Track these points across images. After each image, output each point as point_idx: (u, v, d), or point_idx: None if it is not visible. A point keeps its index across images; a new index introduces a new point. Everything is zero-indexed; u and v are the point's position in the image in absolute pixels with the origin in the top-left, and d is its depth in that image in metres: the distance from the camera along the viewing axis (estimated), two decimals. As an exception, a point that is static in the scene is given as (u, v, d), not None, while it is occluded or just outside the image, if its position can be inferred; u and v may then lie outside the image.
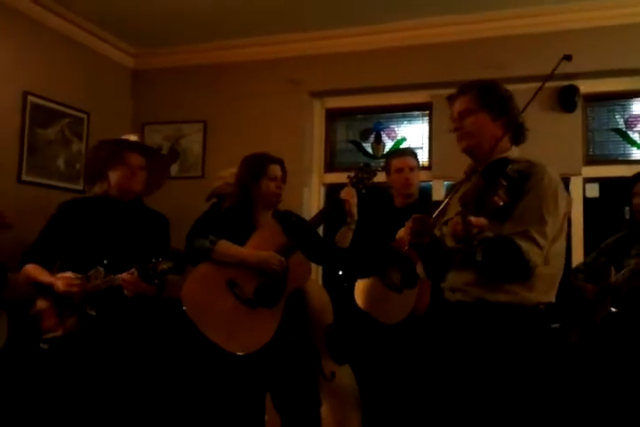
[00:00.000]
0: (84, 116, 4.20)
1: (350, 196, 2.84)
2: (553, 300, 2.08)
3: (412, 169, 3.23)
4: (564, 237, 2.13)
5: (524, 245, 1.93)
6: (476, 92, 2.17)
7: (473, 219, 1.83)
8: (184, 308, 2.59)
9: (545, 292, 2.05)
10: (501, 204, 1.88)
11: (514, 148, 2.18)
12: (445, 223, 2.22)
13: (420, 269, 2.74)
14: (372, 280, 3.10)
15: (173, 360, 3.15)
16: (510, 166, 1.98)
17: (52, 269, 2.69)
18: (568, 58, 2.17)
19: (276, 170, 2.82)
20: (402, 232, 2.85)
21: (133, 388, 2.65)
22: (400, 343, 2.95)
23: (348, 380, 3.26)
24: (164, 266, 2.53)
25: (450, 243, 2.14)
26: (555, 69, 2.13)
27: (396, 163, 3.25)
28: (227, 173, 3.44)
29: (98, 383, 2.56)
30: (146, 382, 2.72)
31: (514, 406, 1.98)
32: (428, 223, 2.06)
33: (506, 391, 1.97)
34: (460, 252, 2.08)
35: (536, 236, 1.95)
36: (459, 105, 2.21)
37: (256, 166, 2.81)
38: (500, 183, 1.90)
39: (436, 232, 2.23)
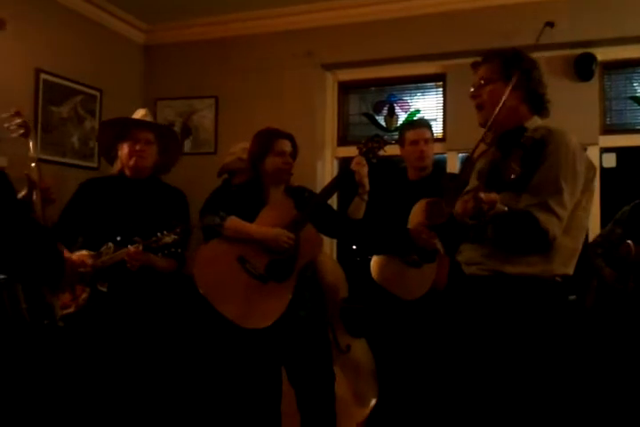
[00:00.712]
0: (97, 94, 4.20)
1: (360, 166, 2.82)
2: (571, 272, 2.06)
3: (426, 141, 3.19)
4: (586, 206, 2.09)
5: (542, 216, 1.91)
6: (499, 61, 2.14)
7: (483, 195, 1.80)
8: (196, 284, 2.62)
9: (564, 264, 2.03)
10: (513, 177, 1.85)
11: (535, 117, 2.14)
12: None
13: (439, 244, 2.75)
14: (389, 256, 3.09)
15: (187, 336, 3.19)
16: (525, 135, 1.95)
17: (74, 247, 2.74)
18: (550, 25, 2.14)
19: (283, 145, 2.80)
20: (416, 216, 2.85)
21: (147, 363, 2.69)
22: (420, 318, 2.95)
23: (363, 353, 3.30)
24: (168, 239, 2.58)
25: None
26: (537, 39, 2.09)
27: (410, 135, 3.21)
28: (238, 149, 3.44)
29: (111, 359, 2.60)
30: (160, 358, 2.76)
31: (532, 380, 1.98)
32: (441, 206, 2.04)
33: (523, 365, 1.97)
34: (474, 227, 2.07)
35: (554, 206, 1.93)
36: (480, 72, 2.19)
37: (263, 142, 2.80)
38: (513, 154, 1.87)
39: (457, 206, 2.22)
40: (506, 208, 1.90)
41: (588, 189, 2.07)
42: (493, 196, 1.83)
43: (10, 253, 1.61)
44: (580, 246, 2.10)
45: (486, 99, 2.14)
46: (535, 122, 2.13)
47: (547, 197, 1.94)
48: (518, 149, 1.88)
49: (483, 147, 2.18)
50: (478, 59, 2.25)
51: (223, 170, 3.50)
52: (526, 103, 2.10)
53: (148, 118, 3.02)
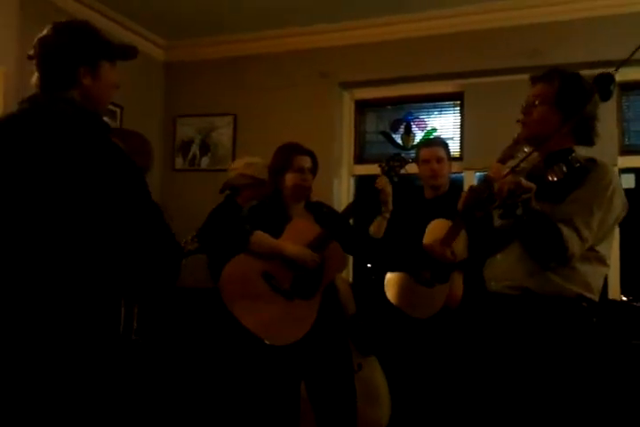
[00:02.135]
0: (117, 110, 4.25)
1: (385, 185, 2.83)
2: (596, 299, 2.06)
3: (439, 160, 3.17)
4: (610, 241, 2.10)
5: (566, 231, 1.92)
6: (558, 84, 2.13)
7: (523, 180, 1.85)
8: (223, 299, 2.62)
9: (585, 287, 2.02)
10: (554, 179, 1.86)
11: (579, 147, 2.14)
12: (496, 208, 2.20)
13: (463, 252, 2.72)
14: (403, 274, 3.08)
15: (210, 349, 3.18)
16: (574, 155, 1.96)
17: None
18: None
19: (302, 161, 2.80)
20: (432, 232, 2.85)
21: (170, 375, 2.69)
22: (433, 337, 2.93)
23: (375, 372, 3.27)
24: (191, 247, 2.58)
25: (497, 221, 2.14)
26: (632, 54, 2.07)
27: (423, 153, 3.21)
28: (240, 164, 3.44)
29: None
30: (182, 369, 2.76)
31: (553, 406, 1.96)
32: (482, 195, 2.04)
33: (541, 388, 1.96)
34: (504, 234, 2.07)
35: (580, 226, 1.94)
36: (536, 90, 2.18)
37: (283, 158, 2.80)
38: (559, 166, 1.88)
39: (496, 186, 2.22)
40: (538, 207, 1.92)
41: (615, 226, 2.09)
42: (531, 184, 1.87)
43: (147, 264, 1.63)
44: (602, 278, 2.10)
45: (535, 119, 2.14)
46: (580, 150, 2.13)
47: (576, 216, 1.96)
48: (565, 165, 1.89)
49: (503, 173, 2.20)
50: (528, 77, 2.23)
51: (226, 186, 3.46)
52: (573, 133, 2.10)
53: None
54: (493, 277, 2.16)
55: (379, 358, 3.32)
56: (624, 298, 3.61)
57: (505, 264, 2.12)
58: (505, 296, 2.08)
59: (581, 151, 2.12)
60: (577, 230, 1.94)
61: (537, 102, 2.14)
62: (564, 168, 1.88)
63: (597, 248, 2.03)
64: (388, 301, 3.11)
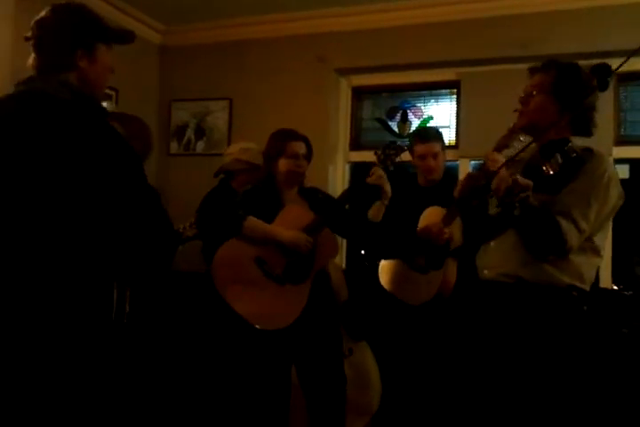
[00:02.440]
0: (113, 93, 4.22)
1: (377, 177, 2.83)
2: (587, 289, 2.07)
3: (435, 155, 3.17)
4: (606, 231, 2.12)
5: (564, 224, 1.94)
6: (555, 73, 2.13)
7: (519, 178, 1.84)
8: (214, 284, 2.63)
9: (578, 278, 2.04)
10: (550, 172, 1.86)
11: (576, 138, 2.14)
12: (492, 196, 2.21)
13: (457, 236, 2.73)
14: (397, 261, 3.10)
15: (200, 332, 3.20)
16: (570, 144, 1.96)
17: None
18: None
19: (296, 147, 2.80)
20: (427, 219, 2.86)
21: (161, 359, 2.71)
22: (425, 323, 2.96)
23: (366, 357, 3.30)
24: (189, 233, 2.58)
25: (491, 210, 2.15)
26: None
27: (419, 149, 3.19)
28: (235, 149, 3.43)
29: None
30: (172, 353, 2.77)
31: (542, 392, 1.98)
32: (479, 183, 2.06)
33: (531, 376, 1.98)
34: (494, 217, 2.08)
35: (578, 218, 1.95)
36: (534, 80, 2.18)
37: (276, 144, 2.81)
38: (555, 157, 1.88)
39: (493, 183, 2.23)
40: (536, 202, 1.93)
41: (611, 216, 2.09)
42: (529, 181, 1.87)
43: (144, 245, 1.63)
44: (596, 266, 2.12)
45: (532, 108, 2.14)
46: (575, 140, 2.13)
47: (573, 208, 1.97)
48: (561, 156, 1.89)
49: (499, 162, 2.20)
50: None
51: (220, 170, 3.46)
52: (570, 123, 2.10)
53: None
54: (486, 265, 2.17)
55: (370, 343, 3.35)
56: (615, 287, 3.64)
57: (499, 252, 2.13)
58: (498, 284, 2.10)
59: (577, 141, 2.13)
60: (575, 223, 1.95)
61: (534, 92, 2.15)
62: (560, 159, 1.88)
63: (594, 238, 2.05)
64: (381, 287, 3.13)
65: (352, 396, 3.10)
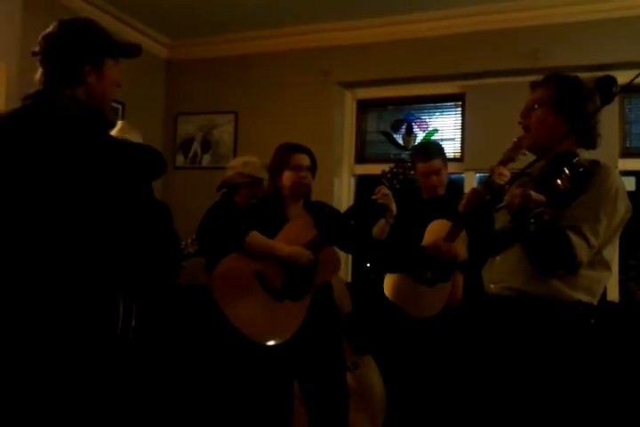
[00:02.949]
0: (119, 107, 4.25)
1: (382, 195, 2.81)
2: (595, 303, 2.06)
3: (437, 172, 3.15)
4: (614, 245, 2.10)
5: (575, 239, 1.92)
6: (555, 86, 2.13)
7: (533, 193, 1.83)
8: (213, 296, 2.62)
9: (587, 292, 2.02)
10: (562, 188, 1.85)
11: (581, 149, 2.14)
12: (497, 210, 2.21)
13: (462, 252, 2.72)
14: (403, 274, 3.07)
15: (199, 347, 3.19)
16: (577, 159, 1.96)
17: None
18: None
19: (300, 159, 2.79)
20: (432, 233, 2.85)
21: (166, 373, 2.69)
22: (431, 337, 2.93)
23: (371, 371, 3.28)
24: (191, 249, 2.57)
25: (498, 225, 2.14)
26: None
27: (421, 167, 3.16)
28: (237, 163, 3.44)
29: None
30: (173, 369, 2.76)
31: (549, 407, 1.96)
32: (484, 199, 2.06)
33: (538, 389, 1.96)
34: (505, 233, 2.07)
35: (588, 233, 1.94)
36: (535, 95, 2.18)
37: (280, 157, 2.81)
38: (563, 171, 1.87)
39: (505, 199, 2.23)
40: (546, 217, 1.91)
41: (619, 229, 2.08)
42: (542, 197, 1.85)
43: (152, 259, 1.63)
44: (604, 283, 2.10)
45: (534, 121, 2.14)
46: (582, 152, 2.12)
47: (583, 222, 1.95)
48: (569, 169, 1.88)
49: (505, 175, 2.20)
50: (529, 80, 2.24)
51: (223, 184, 3.46)
52: (574, 135, 2.10)
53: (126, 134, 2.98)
54: (492, 279, 2.16)
55: (375, 357, 3.33)
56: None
57: (504, 267, 2.12)
58: (502, 298, 2.08)
59: (584, 154, 2.12)
60: (585, 238, 1.93)
61: (536, 106, 2.15)
62: (568, 172, 1.87)
63: (603, 252, 2.03)
64: (386, 300, 3.11)
65: (357, 409, 3.08)
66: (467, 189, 4.02)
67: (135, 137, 2.95)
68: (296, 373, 2.72)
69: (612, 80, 3.88)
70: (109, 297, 1.62)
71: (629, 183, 3.81)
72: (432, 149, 3.28)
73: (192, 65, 4.69)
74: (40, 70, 1.76)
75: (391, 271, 3.10)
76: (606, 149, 3.68)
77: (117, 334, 1.62)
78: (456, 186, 3.98)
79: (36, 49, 1.77)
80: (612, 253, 2.11)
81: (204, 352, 3.23)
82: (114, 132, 2.88)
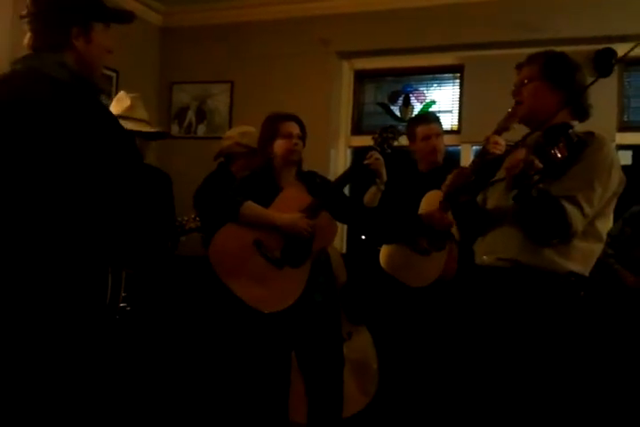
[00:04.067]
0: (113, 75, 4.20)
1: (374, 160, 2.82)
2: (586, 274, 2.07)
3: (438, 136, 3.18)
4: (608, 216, 2.12)
5: (569, 208, 1.93)
6: (541, 63, 2.15)
7: (536, 160, 1.84)
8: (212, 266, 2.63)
9: (580, 263, 2.04)
10: (559, 157, 1.86)
11: (576, 122, 2.14)
12: (492, 184, 2.21)
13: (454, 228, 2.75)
14: (399, 244, 3.09)
15: (200, 317, 3.21)
16: (572, 130, 1.96)
17: None
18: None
19: (289, 127, 2.79)
20: (428, 203, 2.86)
21: (159, 344, 2.71)
22: (426, 307, 2.96)
23: (365, 341, 3.32)
24: (192, 224, 2.58)
25: (492, 202, 2.14)
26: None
27: (422, 130, 3.18)
28: (235, 133, 3.42)
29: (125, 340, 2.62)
30: (172, 338, 2.78)
31: (539, 376, 1.99)
32: (468, 180, 2.07)
33: (530, 361, 1.99)
34: (501, 212, 2.07)
35: (582, 202, 1.95)
36: (523, 73, 2.20)
37: (269, 127, 2.80)
38: (560, 140, 1.88)
39: (480, 195, 2.24)
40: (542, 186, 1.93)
41: (612, 201, 2.08)
42: (540, 164, 1.87)
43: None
44: (597, 254, 2.11)
45: (526, 95, 2.15)
46: (575, 124, 2.13)
47: (578, 191, 1.96)
48: (565, 140, 1.88)
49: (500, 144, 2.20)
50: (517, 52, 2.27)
51: (220, 154, 3.44)
52: (567, 106, 2.10)
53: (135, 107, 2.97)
54: (485, 250, 2.17)
55: (370, 327, 3.36)
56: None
57: (498, 238, 2.13)
58: (496, 269, 2.10)
59: (577, 126, 2.12)
60: (580, 207, 1.95)
61: (526, 81, 2.16)
62: (564, 142, 1.87)
63: (596, 223, 2.04)
64: (381, 270, 3.13)
65: (350, 379, 3.12)
66: (463, 162, 4.01)
67: (141, 114, 2.92)
68: (294, 343, 2.75)
69: (612, 52, 3.88)
70: (97, 267, 1.62)
71: (626, 157, 3.80)
72: (431, 114, 3.39)
73: (187, 33, 4.62)
74: (28, 34, 1.73)
75: (387, 241, 3.11)
76: (604, 123, 3.70)
77: (106, 304, 1.62)
78: (453, 158, 3.97)
79: (24, 12, 1.73)
80: (605, 225, 2.12)
81: (202, 323, 3.25)
82: (122, 110, 2.86)
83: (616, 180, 2.04)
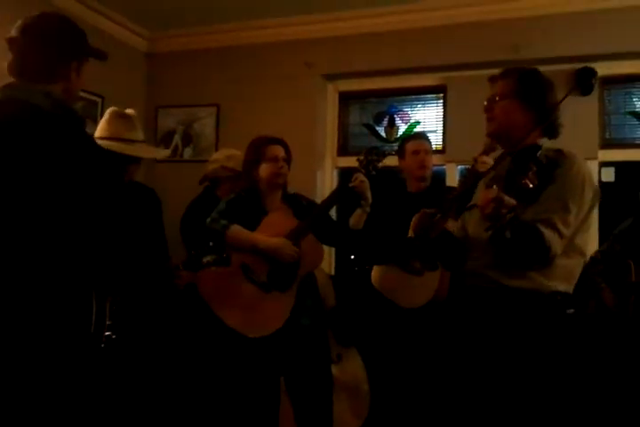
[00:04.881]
0: (99, 100, 4.20)
1: (359, 182, 2.83)
2: (570, 291, 2.07)
3: (426, 152, 3.23)
4: (587, 231, 2.11)
5: (547, 233, 1.93)
6: (515, 79, 2.16)
7: (506, 198, 1.83)
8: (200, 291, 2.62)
9: (563, 281, 2.04)
10: (531, 186, 1.85)
11: (545, 139, 2.16)
12: (470, 208, 2.22)
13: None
14: (391, 265, 3.09)
15: (186, 342, 3.18)
16: (540, 152, 1.97)
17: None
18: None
19: (274, 150, 2.80)
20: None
21: (147, 369, 2.68)
22: (419, 328, 2.95)
23: (355, 363, 3.29)
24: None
25: (470, 228, 2.15)
26: (564, 98, 2.10)
27: (411, 145, 3.24)
28: (221, 156, 3.41)
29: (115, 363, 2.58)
30: (159, 365, 2.75)
31: (527, 396, 1.98)
32: (434, 219, 2.11)
33: (519, 379, 1.98)
34: (480, 236, 2.08)
35: (559, 224, 1.95)
36: (496, 88, 2.21)
37: (254, 150, 2.81)
38: (530, 167, 1.88)
39: (451, 223, 2.25)
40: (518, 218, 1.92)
41: (590, 215, 2.09)
42: (513, 201, 1.85)
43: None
44: (579, 269, 2.11)
45: (498, 113, 2.16)
46: (545, 142, 2.14)
47: (553, 214, 1.96)
48: (534, 164, 1.88)
49: (488, 164, 2.22)
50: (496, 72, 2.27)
51: (205, 178, 3.44)
52: (538, 125, 2.11)
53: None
54: (470, 273, 2.17)
55: (360, 349, 3.34)
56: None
57: (481, 261, 2.11)
58: (482, 289, 2.09)
59: (547, 143, 2.13)
60: (557, 230, 1.95)
61: (497, 98, 2.17)
62: (534, 168, 1.87)
63: (575, 240, 2.05)
64: (371, 292, 3.12)
65: (341, 402, 3.09)
66: (449, 181, 4.03)
67: (138, 135, 2.89)
68: (282, 367, 2.73)
69: (592, 71, 3.94)
70: (82, 294, 1.60)
71: (609, 174, 3.85)
72: (421, 133, 3.53)
73: (172, 57, 4.64)
74: (11, 57, 1.73)
75: (379, 263, 3.11)
76: (586, 141, 3.76)
77: (91, 332, 1.61)
78: (441, 178, 4.00)
79: (14, 35, 1.74)
80: (585, 239, 2.11)
81: (191, 348, 3.22)
82: (118, 132, 2.79)
83: (590, 195, 2.04)
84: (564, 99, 2.10)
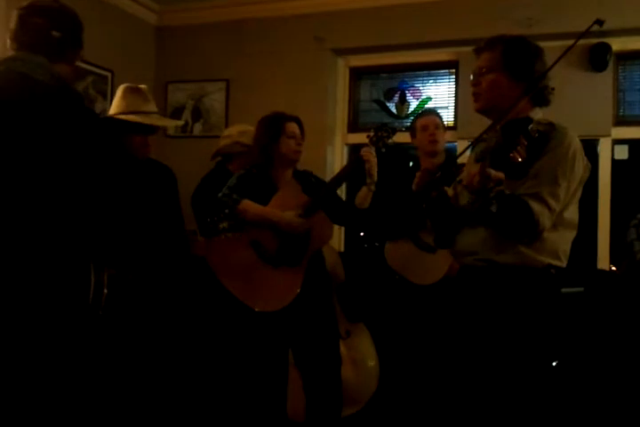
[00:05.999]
0: (108, 75, 4.19)
1: (370, 155, 2.82)
2: (563, 266, 2.06)
3: (437, 126, 3.20)
4: (575, 204, 2.09)
5: (536, 206, 1.91)
6: (501, 49, 2.08)
7: (492, 172, 1.79)
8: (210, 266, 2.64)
9: (554, 255, 2.03)
10: (520, 160, 1.80)
11: (537, 109, 2.11)
12: (460, 182, 2.19)
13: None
14: (404, 241, 3.09)
15: (197, 317, 3.21)
16: (532, 126, 1.93)
17: None
18: (599, 23, 2.05)
19: (293, 127, 2.80)
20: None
21: (157, 343, 2.71)
22: (428, 306, 2.95)
23: (364, 338, 3.32)
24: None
25: (463, 200, 2.13)
26: (585, 32, 2.02)
27: (421, 121, 3.23)
28: (233, 132, 3.40)
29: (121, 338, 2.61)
30: (169, 338, 2.78)
31: (520, 371, 1.98)
32: (434, 176, 2.06)
33: (512, 355, 1.98)
34: (470, 211, 2.06)
35: (548, 198, 1.93)
36: (482, 60, 2.14)
37: (273, 126, 2.79)
38: (520, 141, 1.84)
39: (449, 191, 2.21)
40: (507, 191, 1.90)
41: (578, 189, 2.07)
42: (501, 174, 1.80)
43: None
44: (570, 240, 2.09)
45: (485, 88, 2.10)
46: (537, 113, 2.10)
47: (542, 188, 1.94)
48: (524, 138, 1.85)
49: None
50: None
51: (218, 153, 3.42)
52: (526, 95, 2.06)
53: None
54: (461, 252, 2.16)
55: (369, 325, 3.36)
56: (613, 268, 3.64)
57: (471, 239, 2.10)
58: (475, 268, 2.08)
59: (538, 114, 2.09)
60: (546, 203, 1.93)
61: (484, 70, 2.10)
62: (525, 141, 1.84)
63: (564, 213, 2.02)
64: (380, 268, 3.13)
65: (349, 377, 3.12)
66: (460, 159, 4.00)
67: (152, 107, 2.87)
68: (291, 341, 2.75)
69: (606, 47, 3.87)
70: (79, 265, 1.61)
71: (622, 151, 3.81)
72: (432, 109, 3.47)
73: (182, 31, 4.61)
74: (15, 26, 1.79)
75: (391, 237, 3.10)
76: (600, 118, 3.71)
77: (90, 303, 1.62)
78: (454, 155, 3.97)
79: (24, 10, 1.77)
80: (575, 213, 2.09)
81: (199, 321, 3.25)
82: (134, 105, 2.77)
83: (580, 169, 2.02)
84: (552, 66, 2.02)
